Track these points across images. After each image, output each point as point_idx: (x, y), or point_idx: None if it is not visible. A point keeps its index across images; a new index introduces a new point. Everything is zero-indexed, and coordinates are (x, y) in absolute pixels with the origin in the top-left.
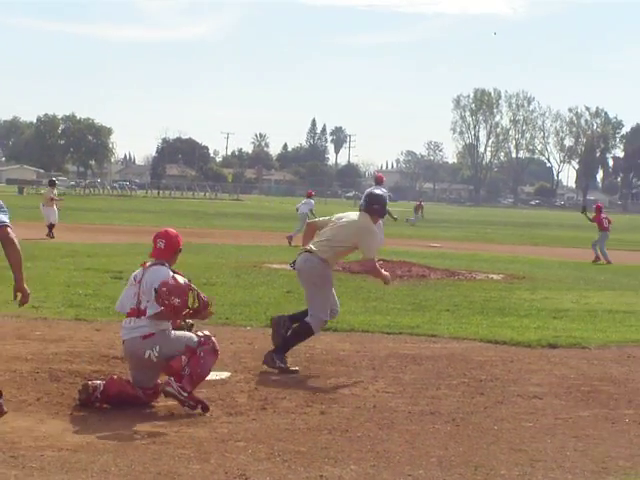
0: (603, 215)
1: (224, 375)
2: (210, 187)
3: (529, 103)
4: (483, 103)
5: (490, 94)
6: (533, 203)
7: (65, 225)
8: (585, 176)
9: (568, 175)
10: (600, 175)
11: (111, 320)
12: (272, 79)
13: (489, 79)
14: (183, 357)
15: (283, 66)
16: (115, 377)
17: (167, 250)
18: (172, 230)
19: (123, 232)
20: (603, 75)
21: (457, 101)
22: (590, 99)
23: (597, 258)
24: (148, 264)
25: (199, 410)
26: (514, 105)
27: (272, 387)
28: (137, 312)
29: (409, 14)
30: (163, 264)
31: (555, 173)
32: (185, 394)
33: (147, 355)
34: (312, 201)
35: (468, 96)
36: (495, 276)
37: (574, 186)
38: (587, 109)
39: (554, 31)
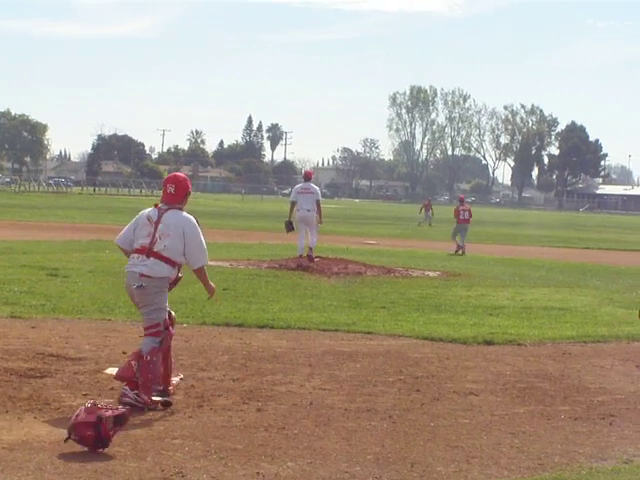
0: (463, 207)
1: None
2: (146, 184)
3: (465, 101)
4: (419, 100)
5: (426, 91)
6: (469, 200)
7: (0, 222)
8: (520, 173)
9: (504, 172)
10: (535, 172)
11: (46, 317)
12: (208, 76)
13: (425, 77)
14: (133, 363)
15: (220, 63)
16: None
17: (178, 194)
18: (180, 174)
19: (59, 229)
20: (538, 73)
21: (393, 98)
22: (525, 97)
23: (458, 248)
24: (162, 207)
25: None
26: (450, 102)
27: (208, 384)
28: (147, 251)
29: (345, 11)
30: (179, 208)
31: (491, 170)
32: (142, 401)
33: (139, 284)
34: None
35: (404, 93)
36: (431, 273)
37: (510, 183)
38: (522, 107)
39: (490, 29)
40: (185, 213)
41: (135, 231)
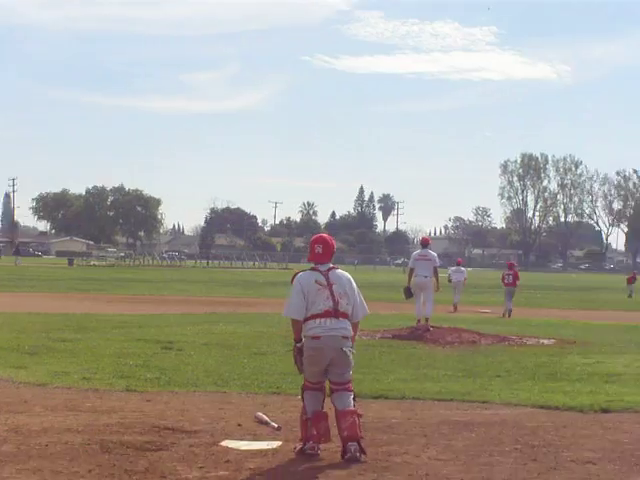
0: (508, 272)
1: (275, 445)
2: (259, 256)
3: (576, 167)
4: (530, 168)
5: (537, 159)
6: (583, 267)
7: (115, 296)
8: (635, 239)
9: (617, 238)
10: None
11: (162, 390)
12: (319, 148)
13: (536, 144)
14: (355, 419)
15: (330, 135)
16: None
17: (325, 253)
18: (325, 235)
19: (173, 302)
20: None
21: (504, 166)
22: (638, 162)
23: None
24: (321, 268)
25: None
26: (561, 169)
27: (324, 456)
28: (334, 313)
29: (455, 81)
30: (335, 266)
31: (604, 237)
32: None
33: (346, 350)
34: (463, 268)
35: (515, 161)
36: (546, 341)
37: (624, 249)
38: (635, 172)
39: (600, 94)
40: (345, 273)
41: (306, 298)
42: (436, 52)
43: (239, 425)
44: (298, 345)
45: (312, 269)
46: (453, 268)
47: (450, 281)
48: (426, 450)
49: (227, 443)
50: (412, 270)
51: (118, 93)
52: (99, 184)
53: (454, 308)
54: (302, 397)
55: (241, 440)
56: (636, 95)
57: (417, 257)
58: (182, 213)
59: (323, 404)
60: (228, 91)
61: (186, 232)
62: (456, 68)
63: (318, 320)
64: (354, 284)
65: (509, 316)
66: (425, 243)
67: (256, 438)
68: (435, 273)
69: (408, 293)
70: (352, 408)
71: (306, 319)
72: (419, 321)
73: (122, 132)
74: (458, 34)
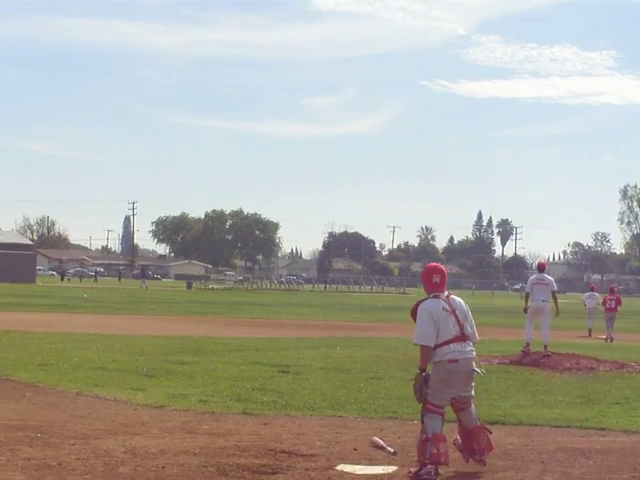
0: (610, 297)
1: (391, 469)
2: (377, 281)
3: None
4: None
5: None
6: None
7: (233, 319)
8: None
9: None
10: None
11: (278, 414)
12: (436, 172)
13: None
14: (487, 435)
15: (448, 159)
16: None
17: (442, 283)
18: (439, 264)
19: (291, 326)
20: None
21: (624, 191)
22: None
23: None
24: (441, 295)
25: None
26: None
27: None
28: (462, 337)
29: (574, 106)
30: (450, 294)
31: None
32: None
33: (479, 371)
34: (597, 294)
35: (635, 186)
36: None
37: None
38: None
39: None
40: (455, 296)
41: (436, 325)
42: (555, 77)
43: (355, 449)
44: (424, 375)
45: (434, 297)
46: (587, 294)
47: (585, 306)
48: (543, 477)
49: (343, 467)
50: (528, 295)
51: (238, 117)
52: (218, 208)
53: (589, 333)
54: (422, 420)
55: (357, 464)
56: None
57: (534, 281)
58: (300, 237)
59: (442, 429)
60: (346, 115)
61: (304, 256)
62: (575, 93)
63: (452, 345)
64: (469, 310)
65: (611, 341)
66: (542, 268)
67: (372, 462)
68: (554, 298)
69: None
70: (482, 425)
71: (437, 346)
72: (528, 345)
73: (241, 156)
74: (577, 58)
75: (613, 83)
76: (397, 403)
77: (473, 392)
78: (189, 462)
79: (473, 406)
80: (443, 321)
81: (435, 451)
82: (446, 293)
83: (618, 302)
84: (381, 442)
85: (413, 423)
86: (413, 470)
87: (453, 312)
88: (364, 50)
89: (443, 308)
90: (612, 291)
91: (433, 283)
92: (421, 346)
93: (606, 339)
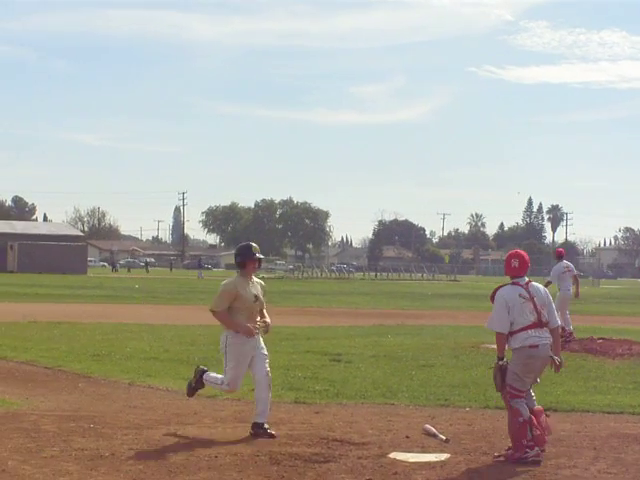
0: None
1: (443, 457)
2: (427, 268)
3: None
4: None
5: None
6: None
7: (284, 308)
8: None
9: None
10: None
11: (330, 402)
12: (486, 159)
13: None
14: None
15: (497, 145)
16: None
17: (521, 267)
18: (521, 250)
19: (341, 315)
20: None
21: None
22: None
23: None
24: (519, 281)
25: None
26: None
27: (493, 469)
28: (540, 324)
29: (623, 90)
30: (530, 280)
31: None
32: None
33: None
34: None
35: None
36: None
37: None
38: None
39: None
40: (541, 286)
41: (510, 312)
42: (603, 61)
43: (407, 437)
44: (501, 363)
45: (512, 284)
46: None
47: None
48: (595, 463)
49: (395, 455)
50: (549, 283)
51: (286, 106)
52: (268, 197)
53: None
54: (508, 406)
55: (409, 452)
56: None
57: (563, 270)
58: (350, 226)
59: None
60: (395, 103)
61: (354, 244)
62: (624, 77)
63: (530, 331)
64: (550, 296)
65: None
66: (559, 255)
67: (424, 450)
68: (576, 281)
69: None
70: (541, 407)
71: (514, 332)
72: (570, 333)
73: (290, 145)
74: (626, 42)
75: None
76: (449, 391)
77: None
78: (241, 451)
79: (531, 391)
80: (519, 307)
81: (538, 432)
82: (526, 279)
83: None
84: (433, 430)
85: (465, 411)
86: (507, 454)
87: (531, 299)
88: (412, 37)
89: (520, 295)
90: None
91: (512, 267)
92: (496, 333)
93: None
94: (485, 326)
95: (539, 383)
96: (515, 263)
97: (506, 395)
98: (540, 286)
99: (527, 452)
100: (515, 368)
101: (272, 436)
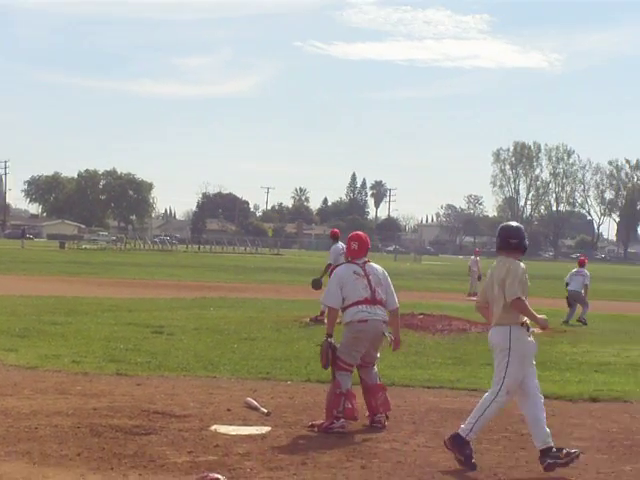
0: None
1: (264, 430)
2: (250, 242)
3: (569, 156)
4: (523, 156)
5: (530, 147)
6: (574, 256)
7: (106, 280)
8: (626, 229)
9: (609, 228)
10: None
11: (152, 374)
12: (312, 134)
13: (529, 133)
14: (384, 394)
15: (323, 121)
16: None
17: (361, 249)
18: (361, 233)
19: (164, 287)
20: None
21: (497, 155)
22: (630, 152)
23: None
24: (357, 261)
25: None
26: (554, 158)
27: (313, 442)
28: (373, 301)
29: (448, 68)
30: (368, 260)
31: (596, 226)
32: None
33: (386, 334)
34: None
35: (508, 149)
36: (536, 330)
37: (615, 239)
38: (627, 162)
39: (592, 84)
40: (378, 266)
41: (343, 289)
42: (428, 39)
43: (228, 410)
44: (330, 340)
45: (349, 262)
46: (473, 258)
47: (470, 269)
48: (415, 437)
49: (216, 428)
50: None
51: (111, 77)
52: (91, 167)
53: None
54: (333, 377)
55: (230, 425)
56: (628, 85)
57: (341, 252)
58: (174, 198)
59: (363, 391)
60: (221, 76)
61: (178, 217)
62: (449, 56)
63: (361, 306)
64: (387, 276)
65: None
66: (335, 237)
67: (245, 423)
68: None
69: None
70: (381, 384)
71: (347, 307)
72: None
73: (115, 116)
74: (450, 22)
75: (486, 47)
76: (270, 364)
77: (379, 354)
78: (62, 423)
79: (376, 367)
80: (352, 284)
81: (349, 406)
82: (365, 259)
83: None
84: (255, 403)
85: (287, 384)
86: (319, 423)
87: (366, 276)
88: (238, 10)
89: (354, 272)
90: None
91: (352, 249)
92: (328, 307)
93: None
94: (319, 300)
95: (378, 359)
96: (355, 245)
97: (334, 367)
98: (379, 267)
99: (334, 423)
100: (345, 341)
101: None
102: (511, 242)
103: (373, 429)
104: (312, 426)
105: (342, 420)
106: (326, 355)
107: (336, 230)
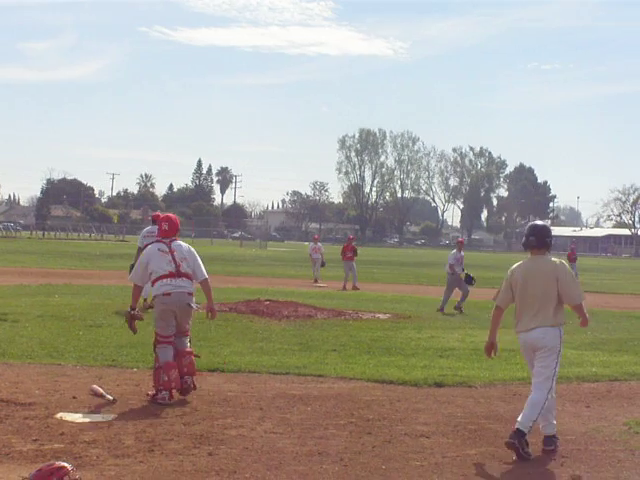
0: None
1: (110, 417)
2: (95, 228)
3: (414, 143)
4: (368, 143)
5: (375, 134)
6: (419, 242)
7: None
8: (470, 216)
9: (453, 214)
10: (485, 214)
11: None
12: (157, 120)
13: (374, 120)
14: (189, 358)
15: (168, 107)
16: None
17: (171, 230)
18: (172, 214)
19: (8, 273)
20: (486, 115)
21: (342, 141)
22: (474, 139)
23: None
24: (164, 240)
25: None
26: (399, 145)
27: (159, 429)
28: (177, 274)
29: (292, 55)
30: (176, 239)
31: (440, 213)
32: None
33: (193, 306)
34: (320, 245)
35: (353, 136)
36: (381, 315)
37: (459, 225)
38: (471, 149)
39: (436, 72)
40: (185, 244)
41: (149, 265)
42: (274, 26)
43: (74, 398)
44: (131, 312)
45: (158, 241)
46: (311, 245)
47: (310, 256)
48: (262, 423)
49: (62, 415)
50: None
51: None
52: None
53: (315, 281)
54: (154, 351)
55: (76, 413)
56: (471, 73)
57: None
58: (18, 184)
59: (173, 357)
60: (66, 60)
61: (22, 203)
62: (294, 43)
63: (165, 280)
64: (194, 251)
65: (356, 289)
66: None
67: (91, 411)
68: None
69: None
70: (189, 349)
71: (154, 281)
72: None
73: None
74: (296, 8)
75: (330, 34)
76: (116, 351)
77: (189, 326)
78: None
79: (188, 337)
80: (157, 260)
81: (166, 378)
82: (174, 239)
83: (354, 251)
84: (100, 390)
85: (132, 371)
86: (150, 394)
87: (171, 252)
88: None
89: (159, 249)
90: (350, 240)
91: (163, 230)
92: (133, 284)
93: (343, 288)
94: (128, 278)
95: (189, 328)
96: (165, 226)
97: (154, 343)
98: (184, 244)
99: (157, 394)
100: (156, 315)
101: None
102: (547, 241)
103: (184, 391)
104: (148, 395)
105: (164, 392)
106: (130, 323)
107: (157, 214)
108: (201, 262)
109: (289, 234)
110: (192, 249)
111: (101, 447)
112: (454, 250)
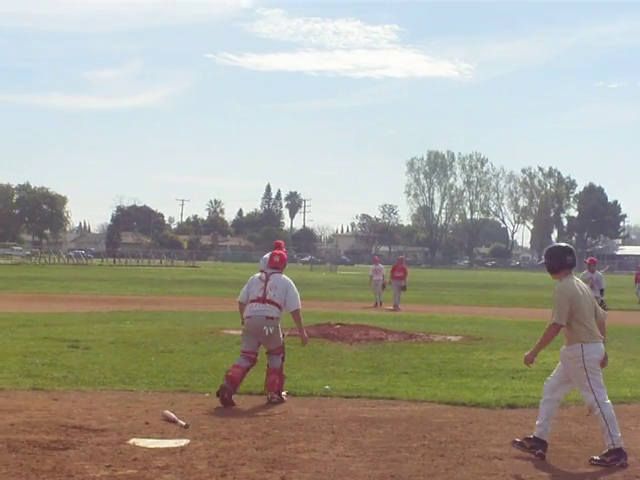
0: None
1: (183, 442)
2: (166, 254)
3: (482, 164)
4: (437, 165)
5: (444, 156)
6: (489, 264)
7: (21, 295)
8: (540, 236)
9: (523, 235)
10: (555, 235)
11: (69, 389)
12: (225, 146)
13: (442, 142)
14: (275, 378)
15: (235, 132)
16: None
17: (281, 263)
18: (284, 252)
19: (79, 301)
20: (555, 135)
21: (411, 164)
22: (543, 159)
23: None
24: (268, 272)
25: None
26: (467, 167)
27: (232, 453)
28: (263, 300)
29: (358, 79)
30: (280, 272)
31: (510, 234)
32: (280, 399)
33: (265, 330)
34: (381, 266)
35: (422, 159)
36: (453, 337)
37: (529, 246)
38: (540, 169)
39: (503, 92)
40: (284, 276)
41: (248, 290)
42: (339, 50)
43: (147, 423)
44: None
45: (261, 270)
46: (372, 267)
47: (371, 278)
48: (334, 447)
49: (135, 441)
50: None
51: (20, 90)
52: (4, 182)
53: (376, 304)
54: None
55: (149, 438)
56: (537, 93)
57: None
58: (88, 211)
59: (248, 369)
60: (132, 88)
61: (92, 230)
62: (359, 66)
63: (253, 304)
64: (289, 283)
65: (396, 310)
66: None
67: (164, 436)
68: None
69: None
70: (274, 368)
71: (248, 304)
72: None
73: (25, 129)
74: (360, 32)
75: (396, 57)
76: (188, 376)
77: (274, 345)
78: None
79: (280, 356)
80: (254, 286)
81: (230, 373)
82: (277, 271)
83: (405, 272)
84: (173, 415)
85: (204, 396)
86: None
87: (265, 281)
88: (149, 22)
89: (259, 277)
90: (400, 261)
91: (274, 261)
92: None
93: (393, 309)
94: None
95: (277, 347)
96: (277, 259)
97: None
98: (282, 277)
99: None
100: (242, 332)
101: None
102: (551, 264)
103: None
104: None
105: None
106: None
107: (279, 242)
108: (296, 294)
109: (359, 257)
110: (288, 281)
111: (174, 472)
112: (585, 271)
